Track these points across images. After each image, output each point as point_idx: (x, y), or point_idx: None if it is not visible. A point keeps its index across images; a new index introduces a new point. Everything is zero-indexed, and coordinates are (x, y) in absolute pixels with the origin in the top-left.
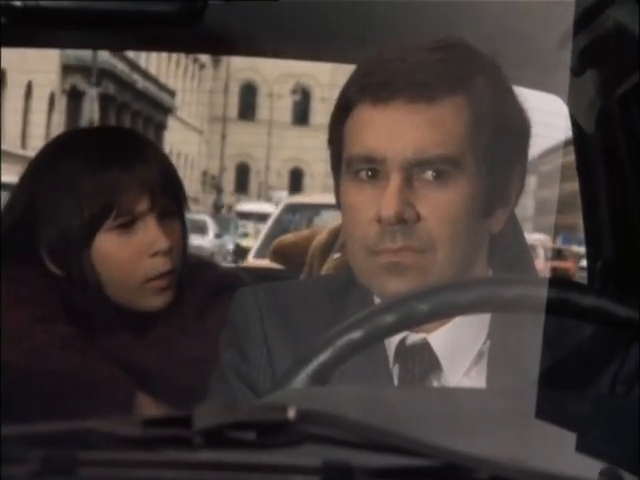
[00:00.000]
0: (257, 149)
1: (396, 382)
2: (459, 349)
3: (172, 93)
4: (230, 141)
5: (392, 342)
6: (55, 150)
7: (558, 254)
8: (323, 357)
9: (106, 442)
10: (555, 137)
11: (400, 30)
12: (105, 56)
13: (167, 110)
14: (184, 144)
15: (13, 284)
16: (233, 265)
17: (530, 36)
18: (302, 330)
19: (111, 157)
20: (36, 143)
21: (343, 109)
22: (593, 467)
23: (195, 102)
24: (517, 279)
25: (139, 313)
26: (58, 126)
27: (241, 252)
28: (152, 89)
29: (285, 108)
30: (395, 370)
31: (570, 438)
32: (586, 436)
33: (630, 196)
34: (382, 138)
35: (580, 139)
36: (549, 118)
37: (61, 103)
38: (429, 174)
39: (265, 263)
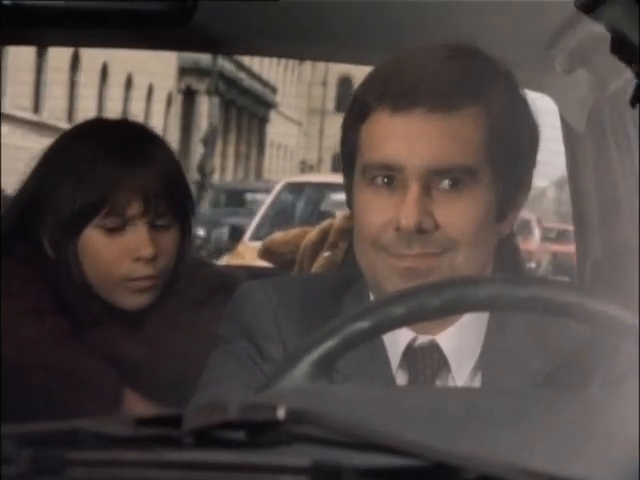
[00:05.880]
0: None
1: (405, 384)
2: (465, 350)
3: (274, 89)
4: (327, 133)
5: (400, 344)
6: (69, 138)
7: None
8: (329, 344)
9: (96, 441)
10: (545, 136)
11: (391, 30)
12: (216, 58)
13: (269, 105)
14: (284, 136)
15: (10, 271)
16: (224, 263)
17: (520, 36)
18: (315, 327)
19: (116, 155)
20: None
21: (359, 114)
22: (584, 467)
23: (295, 95)
24: (530, 279)
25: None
26: (175, 122)
27: (236, 234)
28: (256, 86)
29: None
30: (404, 372)
31: (561, 438)
32: (577, 436)
33: (620, 194)
34: (401, 147)
35: (570, 138)
36: (540, 117)
37: (177, 101)
38: (446, 183)
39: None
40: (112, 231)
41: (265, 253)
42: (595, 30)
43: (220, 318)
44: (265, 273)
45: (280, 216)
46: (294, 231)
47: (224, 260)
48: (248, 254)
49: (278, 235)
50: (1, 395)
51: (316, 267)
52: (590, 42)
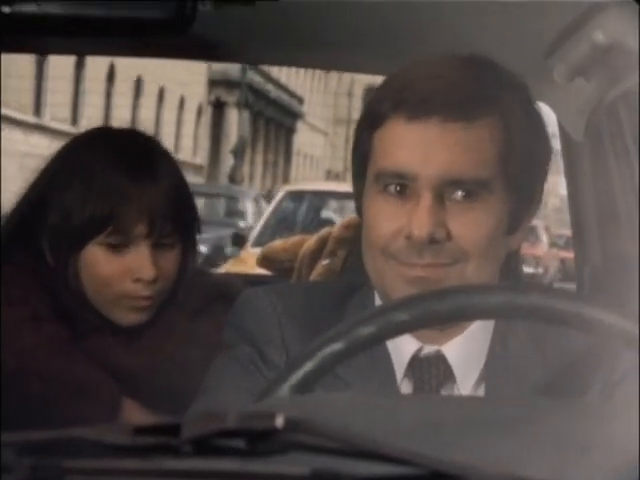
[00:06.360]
0: None
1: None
2: (470, 361)
3: (301, 100)
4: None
5: (405, 354)
6: (78, 146)
7: None
8: (306, 368)
9: (94, 450)
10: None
11: (389, 38)
12: (246, 70)
13: (296, 115)
14: (310, 145)
15: (10, 278)
16: (226, 269)
17: (518, 44)
18: (319, 334)
19: (124, 171)
20: (187, 143)
21: (373, 121)
22: (585, 475)
23: (321, 106)
24: (535, 287)
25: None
26: (205, 131)
27: (239, 241)
28: (283, 97)
29: None
30: (409, 382)
31: (561, 446)
32: (578, 444)
33: (618, 203)
34: (415, 156)
35: (569, 147)
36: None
37: (207, 112)
38: (459, 194)
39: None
40: (115, 248)
41: (264, 261)
42: (594, 39)
43: (218, 327)
44: (263, 281)
45: (282, 223)
46: (293, 239)
47: (228, 265)
48: (250, 260)
49: (277, 243)
50: (0, 403)
51: (314, 275)
52: (588, 51)
